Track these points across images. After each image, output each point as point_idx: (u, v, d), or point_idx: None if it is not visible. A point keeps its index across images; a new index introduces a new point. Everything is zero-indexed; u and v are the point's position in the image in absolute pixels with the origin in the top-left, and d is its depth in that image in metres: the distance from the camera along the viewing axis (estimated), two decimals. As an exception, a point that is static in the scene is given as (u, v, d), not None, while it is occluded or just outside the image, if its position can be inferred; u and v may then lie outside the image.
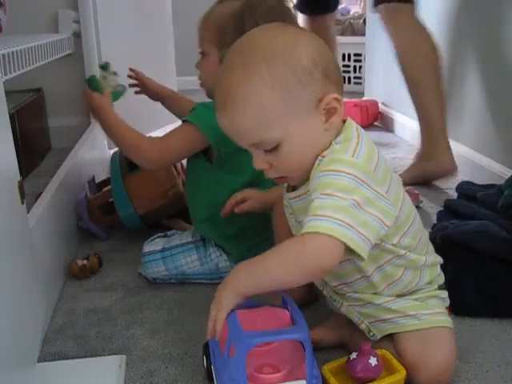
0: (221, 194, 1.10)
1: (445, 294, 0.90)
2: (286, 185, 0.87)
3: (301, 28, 0.81)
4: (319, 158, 0.77)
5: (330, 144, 0.78)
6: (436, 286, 0.89)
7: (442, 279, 0.91)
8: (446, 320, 0.86)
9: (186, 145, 1.10)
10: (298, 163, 0.79)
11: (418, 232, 0.86)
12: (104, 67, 1.30)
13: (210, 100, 1.20)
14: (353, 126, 0.80)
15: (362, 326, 0.88)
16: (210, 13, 1.11)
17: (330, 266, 0.71)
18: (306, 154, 0.78)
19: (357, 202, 0.71)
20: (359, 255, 0.72)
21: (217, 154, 1.10)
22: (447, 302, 0.90)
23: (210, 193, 1.14)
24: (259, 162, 0.79)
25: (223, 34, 1.06)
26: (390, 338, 0.86)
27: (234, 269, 0.78)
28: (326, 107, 0.76)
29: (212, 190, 1.13)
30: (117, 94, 1.26)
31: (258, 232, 1.14)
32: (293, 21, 1.11)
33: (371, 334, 0.88)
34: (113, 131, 1.13)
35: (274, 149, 0.76)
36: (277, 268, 0.74)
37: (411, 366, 0.81)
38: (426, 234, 0.90)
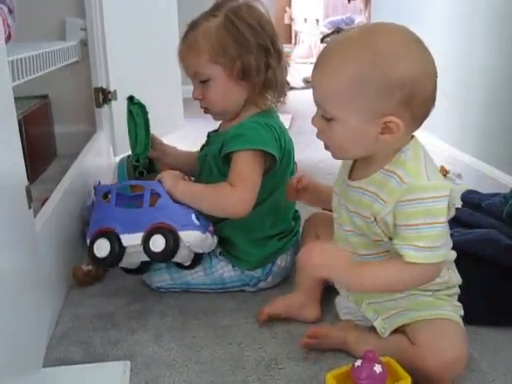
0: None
1: (456, 302, 0.93)
2: (347, 171, 0.92)
3: (422, 45, 0.82)
4: (391, 173, 0.83)
5: (395, 154, 0.84)
6: (453, 291, 0.94)
7: (457, 292, 0.95)
8: (457, 317, 0.89)
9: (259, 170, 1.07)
10: (340, 146, 0.86)
11: (448, 246, 0.92)
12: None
13: (218, 121, 1.20)
14: (416, 141, 0.86)
15: (376, 323, 0.92)
16: (194, 39, 1.07)
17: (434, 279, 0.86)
18: (350, 145, 0.85)
19: (442, 222, 0.81)
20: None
21: None
22: (460, 311, 0.92)
23: None
24: (315, 119, 0.86)
25: (226, 49, 1.05)
26: (401, 331, 0.90)
27: (360, 265, 0.87)
28: (385, 122, 0.80)
29: None
30: None
31: (284, 240, 1.17)
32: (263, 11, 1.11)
33: (383, 330, 0.91)
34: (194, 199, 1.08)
35: (329, 120, 0.83)
36: (394, 282, 0.85)
37: (425, 354, 0.83)
38: (453, 252, 0.95)
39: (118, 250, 1.03)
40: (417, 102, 0.79)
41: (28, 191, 0.89)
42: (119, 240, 1.03)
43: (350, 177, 0.92)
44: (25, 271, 0.88)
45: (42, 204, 1.20)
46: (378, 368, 0.79)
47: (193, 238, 1.03)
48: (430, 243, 0.80)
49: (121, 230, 1.03)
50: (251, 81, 1.08)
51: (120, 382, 0.89)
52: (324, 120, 0.84)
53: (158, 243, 1.01)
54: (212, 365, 0.95)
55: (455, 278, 0.94)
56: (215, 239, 1.11)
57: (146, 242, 1.02)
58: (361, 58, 0.78)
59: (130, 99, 1.16)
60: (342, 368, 0.83)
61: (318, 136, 0.87)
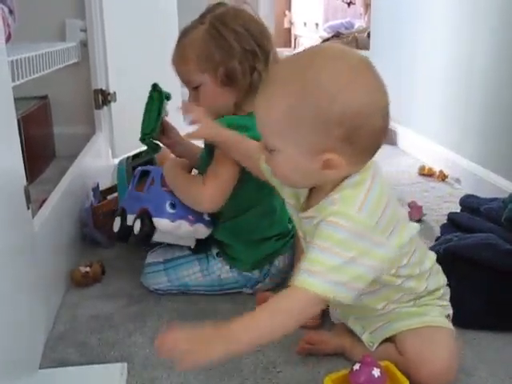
0: (244, 195, 1.11)
1: (445, 302, 0.91)
2: (300, 204, 0.87)
3: (371, 74, 0.74)
4: (330, 196, 0.78)
5: (341, 180, 0.78)
6: (437, 295, 0.90)
7: (443, 294, 0.92)
8: (444, 321, 0.88)
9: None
10: (284, 177, 0.81)
11: (419, 260, 0.86)
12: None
13: None
14: (370, 169, 0.79)
15: (364, 337, 0.91)
16: (182, 48, 1.11)
17: (313, 314, 0.80)
18: (293, 176, 0.80)
19: (352, 258, 0.73)
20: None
21: None
22: (448, 310, 0.91)
23: (235, 194, 1.10)
24: (260, 147, 0.81)
25: (210, 56, 1.07)
26: (390, 342, 0.88)
27: (224, 326, 0.74)
28: (324, 160, 0.74)
29: (237, 191, 1.10)
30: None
31: (281, 241, 1.17)
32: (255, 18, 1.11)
33: (371, 344, 0.90)
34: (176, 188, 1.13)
35: (271, 151, 0.78)
36: (267, 324, 0.76)
37: (414, 363, 0.82)
38: (430, 258, 0.91)
39: (126, 228, 1.15)
40: (361, 137, 0.73)
41: (27, 192, 0.89)
42: (126, 219, 1.16)
43: (304, 208, 0.85)
44: (22, 272, 0.88)
45: (41, 205, 1.19)
46: (376, 372, 0.79)
47: (161, 226, 1.09)
48: (321, 269, 0.73)
49: (128, 211, 1.15)
50: (237, 85, 1.09)
51: (117, 383, 0.89)
52: (267, 151, 0.79)
53: (136, 227, 1.11)
54: (209, 367, 0.94)
55: (436, 282, 0.90)
56: (200, 227, 1.13)
57: (133, 223, 1.12)
58: (296, 91, 0.72)
59: (154, 86, 1.23)
60: (341, 372, 0.83)
61: (266, 163, 0.84)
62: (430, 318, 0.87)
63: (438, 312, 0.89)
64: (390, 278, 0.83)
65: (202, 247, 1.17)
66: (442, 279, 0.92)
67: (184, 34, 1.11)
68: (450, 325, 0.89)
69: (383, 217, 0.77)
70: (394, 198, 0.83)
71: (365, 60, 0.75)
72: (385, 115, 0.75)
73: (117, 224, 1.17)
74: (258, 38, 1.09)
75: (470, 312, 1.01)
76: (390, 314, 0.89)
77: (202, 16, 1.11)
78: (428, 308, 0.88)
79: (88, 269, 1.22)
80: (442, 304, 0.90)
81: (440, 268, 0.93)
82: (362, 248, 0.74)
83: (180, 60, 1.11)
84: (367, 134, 0.73)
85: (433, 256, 0.91)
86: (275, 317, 0.75)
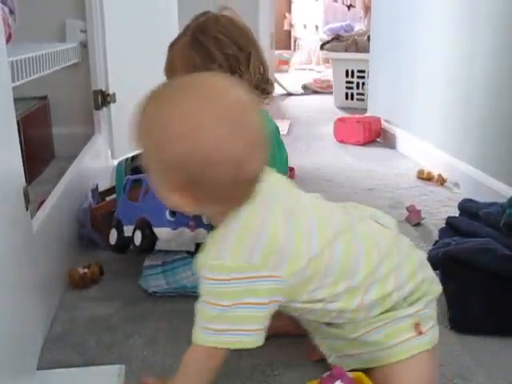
0: None
1: (412, 309, 0.79)
2: None
3: (233, 118, 0.68)
4: (209, 241, 0.76)
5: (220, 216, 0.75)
6: (387, 306, 0.79)
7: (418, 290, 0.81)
8: (413, 346, 0.78)
9: None
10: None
11: (344, 276, 0.77)
12: None
13: None
14: (239, 206, 0.74)
15: (331, 360, 0.87)
16: (170, 60, 1.15)
17: (220, 364, 0.77)
18: (164, 198, 0.76)
19: (228, 305, 0.72)
20: None
21: None
22: (419, 317, 0.79)
23: None
24: None
25: (193, 64, 1.10)
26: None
27: None
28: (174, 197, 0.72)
29: None
30: None
31: None
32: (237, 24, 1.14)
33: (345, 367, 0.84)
34: None
35: None
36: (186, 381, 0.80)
37: None
38: (362, 268, 0.78)
39: (124, 239, 1.15)
40: (207, 186, 0.69)
41: (25, 192, 0.89)
42: (123, 231, 1.15)
43: None
44: (20, 272, 0.88)
45: (39, 206, 1.19)
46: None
47: (163, 234, 1.10)
48: (204, 322, 0.75)
49: (124, 222, 1.14)
50: None
51: (114, 385, 0.89)
52: None
53: (137, 238, 1.11)
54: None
55: (391, 283, 0.78)
56: (201, 232, 1.13)
57: (132, 235, 1.11)
58: (144, 127, 0.70)
59: None
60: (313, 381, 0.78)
61: None
62: (394, 350, 0.78)
63: (405, 331, 0.78)
64: (304, 305, 0.78)
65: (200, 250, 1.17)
66: (389, 285, 0.78)
67: (171, 46, 1.16)
68: (419, 346, 0.78)
69: (255, 252, 0.72)
70: (290, 221, 0.75)
71: (236, 102, 0.69)
72: (239, 167, 0.68)
73: (113, 236, 1.16)
74: (238, 42, 1.12)
75: (469, 315, 1.01)
76: (353, 341, 0.82)
77: (186, 27, 1.15)
78: (391, 331, 0.78)
79: (86, 270, 1.22)
80: (408, 313, 0.79)
81: (395, 267, 0.79)
82: (237, 291, 0.72)
83: (169, 71, 1.15)
84: (214, 184, 0.68)
85: (374, 260, 0.78)
86: (188, 373, 0.79)
